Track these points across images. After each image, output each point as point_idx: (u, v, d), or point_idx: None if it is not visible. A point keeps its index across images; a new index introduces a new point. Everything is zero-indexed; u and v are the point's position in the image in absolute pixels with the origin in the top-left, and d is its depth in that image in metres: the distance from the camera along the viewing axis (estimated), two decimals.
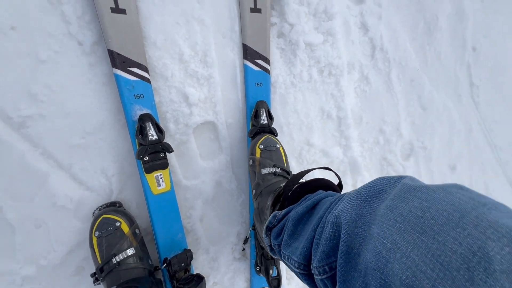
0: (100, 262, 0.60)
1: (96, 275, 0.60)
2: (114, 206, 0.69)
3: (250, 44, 0.81)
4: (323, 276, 0.34)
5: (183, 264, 0.66)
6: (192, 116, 0.78)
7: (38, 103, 0.67)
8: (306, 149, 0.90)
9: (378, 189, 0.32)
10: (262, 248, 0.74)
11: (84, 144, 0.70)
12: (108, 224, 0.63)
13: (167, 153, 0.69)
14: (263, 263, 0.74)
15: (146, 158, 0.67)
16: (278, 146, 0.75)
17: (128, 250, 0.61)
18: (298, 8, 0.86)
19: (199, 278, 0.62)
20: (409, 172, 1.04)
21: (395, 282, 0.24)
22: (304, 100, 0.90)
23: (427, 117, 1.07)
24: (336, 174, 0.53)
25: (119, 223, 0.64)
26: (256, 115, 0.78)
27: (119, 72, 0.68)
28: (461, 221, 0.22)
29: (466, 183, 1.14)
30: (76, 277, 0.72)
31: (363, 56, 0.99)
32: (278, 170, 0.69)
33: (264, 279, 0.82)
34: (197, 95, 0.78)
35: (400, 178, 0.32)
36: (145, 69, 0.71)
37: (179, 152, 0.78)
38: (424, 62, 1.06)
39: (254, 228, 0.70)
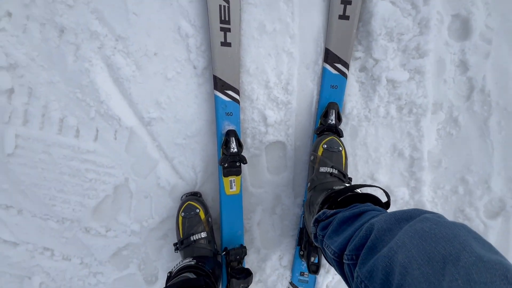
0: (181, 236, 0.81)
1: (177, 245, 0.81)
2: (196, 196, 0.89)
3: (332, 48, 0.88)
4: (350, 262, 0.46)
5: (238, 257, 0.81)
6: (267, 134, 0.92)
7: (161, 109, 0.92)
8: (368, 182, 0.92)
9: (409, 215, 0.42)
10: (308, 236, 0.83)
11: (185, 144, 0.93)
12: (191, 209, 0.83)
13: (242, 163, 0.85)
14: (307, 248, 0.83)
15: (226, 165, 0.84)
16: (340, 148, 0.81)
17: (202, 233, 0.80)
18: (386, 44, 0.88)
19: (248, 273, 0.76)
20: (494, 233, 0.92)
21: (395, 264, 0.36)
22: (376, 134, 0.91)
23: None
24: (387, 194, 0.59)
25: (198, 210, 0.83)
26: (326, 115, 0.86)
27: (218, 93, 0.87)
28: (452, 239, 0.33)
29: None
30: (161, 241, 0.97)
31: (456, 96, 0.92)
32: (335, 171, 0.76)
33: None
34: (274, 117, 0.91)
35: (428, 212, 0.42)
36: (237, 92, 0.88)
37: (251, 163, 0.93)
38: None
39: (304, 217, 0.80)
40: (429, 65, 0.88)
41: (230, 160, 0.84)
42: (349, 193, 0.60)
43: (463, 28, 0.91)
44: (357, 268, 0.43)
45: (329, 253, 0.53)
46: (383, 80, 0.88)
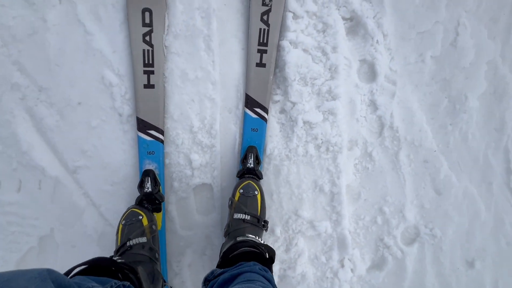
0: (119, 244, 0.76)
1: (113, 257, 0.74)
2: (142, 204, 0.84)
3: (251, 94, 0.95)
4: None
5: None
6: (193, 177, 0.95)
7: (87, 157, 0.93)
8: (293, 218, 0.97)
9: None
10: None
11: (112, 190, 0.94)
12: (133, 216, 0.79)
13: (160, 201, 0.86)
14: None
15: (145, 205, 0.84)
16: (256, 193, 0.85)
17: (140, 238, 0.75)
18: (301, 89, 0.95)
19: None
20: (411, 260, 0.99)
21: None
22: (297, 172, 0.97)
23: (441, 202, 1.00)
24: (270, 251, 0.65)
25: (141, 217, 0.80)
26: (245, 158, 0.91)
27: (140, 134, 0.91)
28: None
29: (487, 284, 1.01)
30: None
31: (369, 133, 1.00)
32: (247, 217, 0.80)
33: None
34: (200, 160, 0.94)
35: None
36: (161, 132, 0.92)
37: (180, 205, 0.96)
38: (445, 143, 1.01)
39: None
40: (341, 107, 0.96)
41: (146, 199, 0.85)
42: (240, 250, 0.64)
43: (370, 71, 1.00)
44: None
45: None
46: (300, 122, 0.95)
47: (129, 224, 0.79)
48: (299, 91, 0.95)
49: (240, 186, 0.84)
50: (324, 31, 0.96)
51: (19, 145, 0.91)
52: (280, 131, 0.98)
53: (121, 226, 0.80)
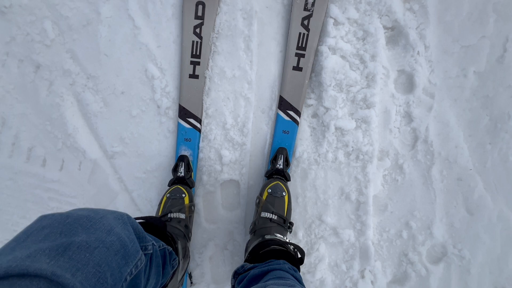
0: (160, 214, 0.82)
1: None
2: (185, 182, 0.90)
3: (285, 96, 0.97)
4: None
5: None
6: (222, 173, 0.98)
7: (124, 144, 0.99)
8: (317, 223, 0.97)
9: None
10: None
11: (144, 177, 0.99)
12: (177, 192, 0.85)
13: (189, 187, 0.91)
14: None
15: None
16: (284, 194, 0.87)
17: (180, 214, 0.81)
18: (336, 95, 0.96)
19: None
20: (435, 279, 0.96)
21: None
22: (325, 177, 0.97)
23: (472, 223, 0.97)
24: (301, 251, 0.65)
25: (184, 195, 0.86)
26: (275, 159, 0.93)
27: (180, 121, 0.97)
28: None
29: None
30: None
31: (402, 145, 0.99)
32: (274, 217, 0.82)
33: None
34: (230, 157, 0.97)
35: None
36: (199, 121, 0.97)
37: (206, 199, 0.99)
38: (482, 163, 0.97)
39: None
40: (375, 116, 0.96)
41: (178, 183, 0.89)
42: (271, 247, 0.65)
43: (408, 82, 0.99)
44: None
45: None
46: (332, 127, 0.96)
47: (172, 198, 0.85)
48: (334, 97, 0.96)
49: (269, 186, 0.86)
50: (364, 39, 0.96)
51: (65, 127, 0.98)
52: (311, 135, 0.99)
53: (165, 198, 0.86)
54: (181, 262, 0.69)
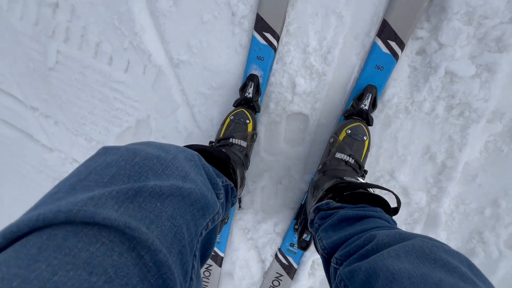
0: (222, 136, 0.80)
1: (213, 143, 0.81)
2: (251, 107, 0.84)
3: (391, 21, 0.76)
4: (337, 266, 0.45)
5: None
6: (292, 104, 0.87)
7: (191, 53, 0.91)
8: (386, 178, 0.87)
9: (413, 237, 0.41)
10: (306, 214, 0.82)
11: (208, 94, 0.93)
12: (242, 116, 0.79)
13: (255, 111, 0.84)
14: (302, 225, 0.82)
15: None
16: (365, 138, 0.75)
17: (242, 141, 0.78)
18: (460, 27, 0.73)
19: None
20: (507, 265, 0.86)
21: (381, 268, 0.36)
22: (411, 130, 0.83)
23: None
24: (398, 200, 0.56)
25: (248, 121, 0.80)
26: (360, 98, 0.78)
27: (256, 34, 0.84)
28: (452, 269, 0.34)
29: None
30: None
31: None
32: (351, 160, 0.72)
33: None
34: (304, 87, 0.85)
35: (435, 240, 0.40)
36: (277, 37, 0.83)
37: (269, 128, 0.92)
38: None
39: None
40: (506, 64, 0.73)
41: (243, 104, 0.82)
42: (359, 190, 0.57)
43: None
44: (340, 268, 0.43)
45: (320, 247, 0.52)
46: (441, 70, 0.76)
47: (236, 121, 0.79)
48: (457, 30, 0.74)
49: (349, 127, 0.75)
50: None
51: (132, 24, 0.91)
52: (409, 76, 0.81)
53: (228, 119, 0.80)
54: (237, 192, 0.67)
